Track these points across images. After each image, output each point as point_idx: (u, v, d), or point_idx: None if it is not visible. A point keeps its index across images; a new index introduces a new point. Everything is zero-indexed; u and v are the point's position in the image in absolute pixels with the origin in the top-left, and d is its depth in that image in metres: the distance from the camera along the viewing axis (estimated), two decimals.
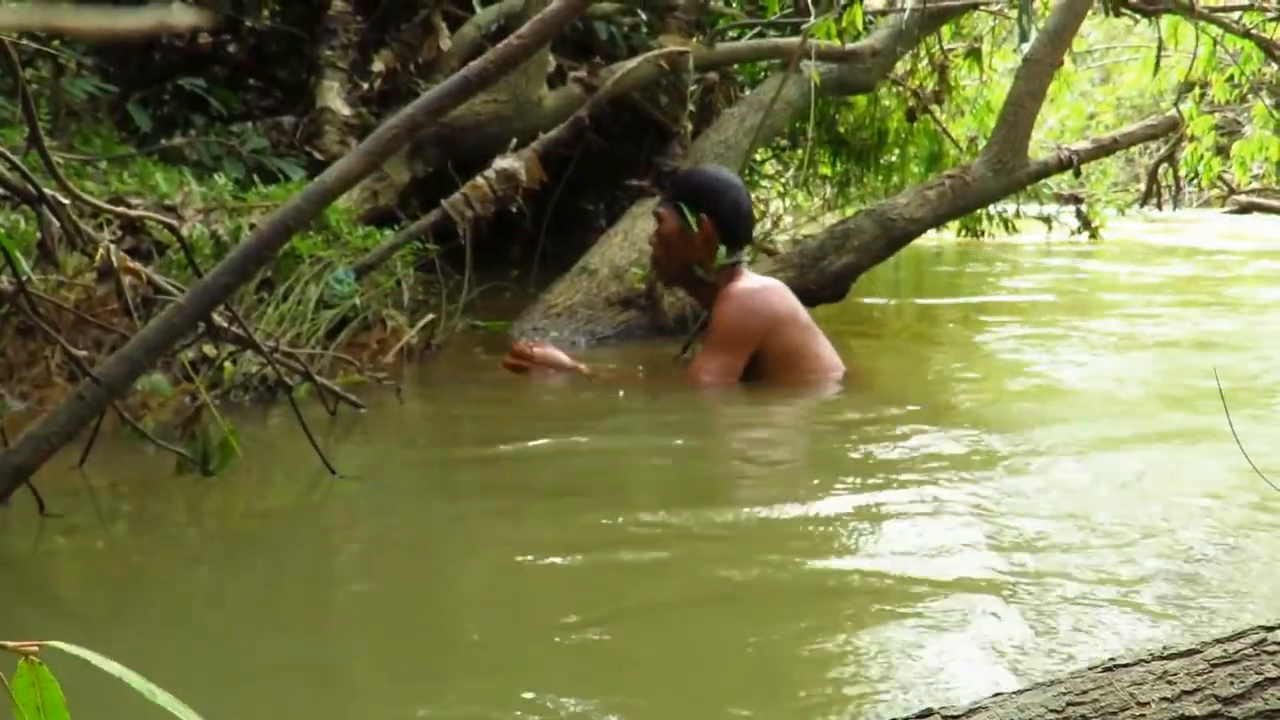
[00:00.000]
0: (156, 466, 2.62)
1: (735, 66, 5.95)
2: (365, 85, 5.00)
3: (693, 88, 5.19)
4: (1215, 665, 1.05)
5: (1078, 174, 6.75)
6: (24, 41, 3.37)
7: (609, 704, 1.54)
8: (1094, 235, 10.26)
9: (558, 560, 2.09)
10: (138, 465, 2.67)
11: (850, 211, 6.48)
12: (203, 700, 1.53)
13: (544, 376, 3.72)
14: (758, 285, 3.82)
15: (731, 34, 5.95)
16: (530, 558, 2.12)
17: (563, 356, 3.80)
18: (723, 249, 3.75)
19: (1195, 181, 13.70)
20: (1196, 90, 8.37)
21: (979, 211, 7.80)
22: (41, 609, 2.02)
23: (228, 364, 3.18)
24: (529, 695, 1.57)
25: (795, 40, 5.19)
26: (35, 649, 0.79)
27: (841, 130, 7.02)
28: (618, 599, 1.93)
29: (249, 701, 1.59)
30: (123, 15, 0.58)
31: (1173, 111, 6.72)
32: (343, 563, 2.25)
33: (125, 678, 0.79)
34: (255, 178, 4.29)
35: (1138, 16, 6.65)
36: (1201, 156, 9.31)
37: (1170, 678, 1.05)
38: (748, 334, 3.68)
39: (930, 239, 7.98)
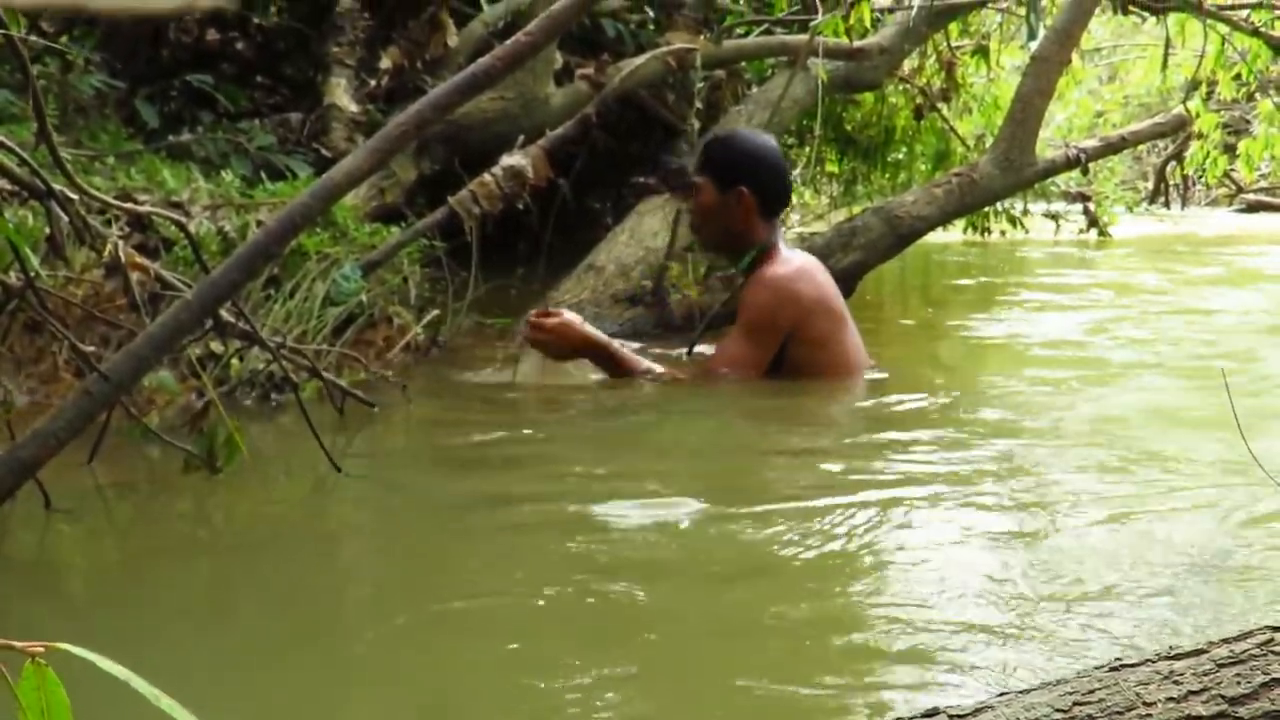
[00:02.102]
0: (163, 464, 2.62)
1: (742, 64, 5.94)
2: (373, 82, 5.01)
3: (700, 85, 5.19)
4: (1222, 665, 1.05)
5: (1085, 172, 6.75)
6: (33, 38, 3.37)
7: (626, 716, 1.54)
8: (1102, 233, 10.24)
9: (565, 569, 2.06)
10: (144, 462, 2.68)
11: (857, 209, 6.48)
12: (207, 704, 1.53)
13: (563, 352, 3.54)
14: (792, 270, 3.67)
15: (739, 31, 5.94)
16: (537, 565, 2.11)
17: (587, 330, 3.58)
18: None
19: (1203, 180, 13.68)
20: (1203, 88, 8.34)
21: (986, 209, 7.79)
22: (47, 606, 2.02)
23: (234, 361, 3.19)
24: (540, 706, 1.57)
25: (802, 38, 5.19)
26: (41, 650, 0.79)
27: (848, 128, 7.02)
28: (630, 612, 1.90)
29: (253, 705, 1.60)
30: None
31: (1180, 109, 6.70)
32: (348, 565, 2.25)
33: (130, 681, 0.78)
34: (262, 174, 4.29)
35: (1145, 14, 6.65)
36: (1207, 154, 9.29)
37: (1176, 678, 1.05)
38: (777, 324, 3.58)
39: (937, 237, 7.96)
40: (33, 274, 2.48)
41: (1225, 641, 1.08)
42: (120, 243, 2.58)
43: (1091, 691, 1.06)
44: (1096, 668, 1.10)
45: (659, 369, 3.60)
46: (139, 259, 2.70)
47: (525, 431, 3.09)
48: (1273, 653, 1.04)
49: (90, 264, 3.00)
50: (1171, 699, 1.03)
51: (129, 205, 2.93)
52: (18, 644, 0.79)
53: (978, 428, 3.11)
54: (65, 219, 2.65)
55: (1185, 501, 2.39)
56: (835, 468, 2.76)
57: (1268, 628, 1.07)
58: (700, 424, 3.26)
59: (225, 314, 2.72)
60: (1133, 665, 1.08)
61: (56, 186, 2.55)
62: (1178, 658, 1.07)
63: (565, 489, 2.58)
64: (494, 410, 3.40)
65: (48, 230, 2.76)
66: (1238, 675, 1.04)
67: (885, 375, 3.75)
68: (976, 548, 2.12)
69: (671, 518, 2.32)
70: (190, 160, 4.28)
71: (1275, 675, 1.03)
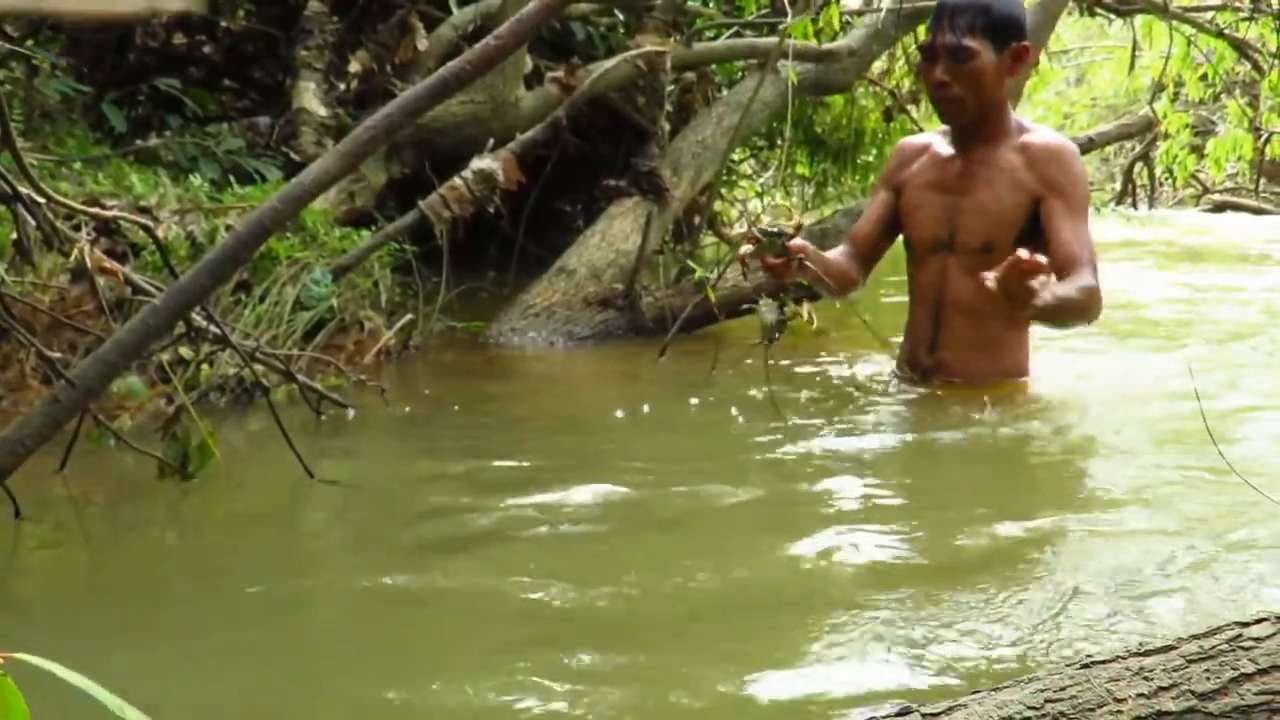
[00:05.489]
0: (135, 470, 2.60)
1: (712, 66, 5.96)
2: (342, 86, 4.98)
3: (670, 88, 5.19)
4: (1191, 661, 1.06)
5: None
6: None
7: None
8: None
9: (541, 578, 2.03)
10: (116, 469, 2.66)
11: (828, 211, 6.50)
12: (178, 712, 1.53)
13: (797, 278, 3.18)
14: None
15: (709, 34, 5.95)
16: (512, 565, 2.10)
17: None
18: None
19: (1171, 180, 13.78)
20: (1170, 89, 8.41)
21: None
22: (14, 615, 2.00)
23: (204, 366, 3.17)
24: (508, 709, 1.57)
25: (772, 40, 5.20)
26: (0, 660, 0.78)
27: (819, 130, 7.03)
28: (600, 615, 1.89)
29: (224, 712, 1.59)
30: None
31: (1146, 110, 6.76)
32: (321, 571, 2.23)
33: (92, 692, 0.78)
34: (231, 179, 4.27)
35: (1112, 16, 6.70)
36: (1176, 155, 9.37)
37: (1147, 674, 1.06)
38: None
39: None
40: None
41: (1195, 637, 1.09)
42: (87, 246, 2.56)
43: (1063, 689, 1.07)
44: (1068, 665, 1.10)
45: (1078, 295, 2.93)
46: (107, 263, 2.68)
47: (500, 438, 3.07)
48: (1241, 648, 1.05)
49: (58, 269, 2.98)
50: (1142, 695, 1.04)
51: (95, 210, 2.91)
52: None
53: (971, 425, 3.09)
54: (32, 223, 2.64)
55: (1152, 498, 2.40)
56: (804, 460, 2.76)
57: (1236, 623, 1.08)
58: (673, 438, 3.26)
59: (197, 318, 2.70)
60: (1104, 662, 1.08)
61: (23, 190, 2.54)
62: (1148, 654, 1.08)
63: (543, 487, 2.55)
64: (467, 414, 3.39)
65: (15, 235, 2.74)
66: (1207, 671, 1.04)
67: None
68: (943, 546, 2.13)
69: (646, 517, 2.33)
70: (158, 165, 4.25)
71: (1244, 670, 1.04)
